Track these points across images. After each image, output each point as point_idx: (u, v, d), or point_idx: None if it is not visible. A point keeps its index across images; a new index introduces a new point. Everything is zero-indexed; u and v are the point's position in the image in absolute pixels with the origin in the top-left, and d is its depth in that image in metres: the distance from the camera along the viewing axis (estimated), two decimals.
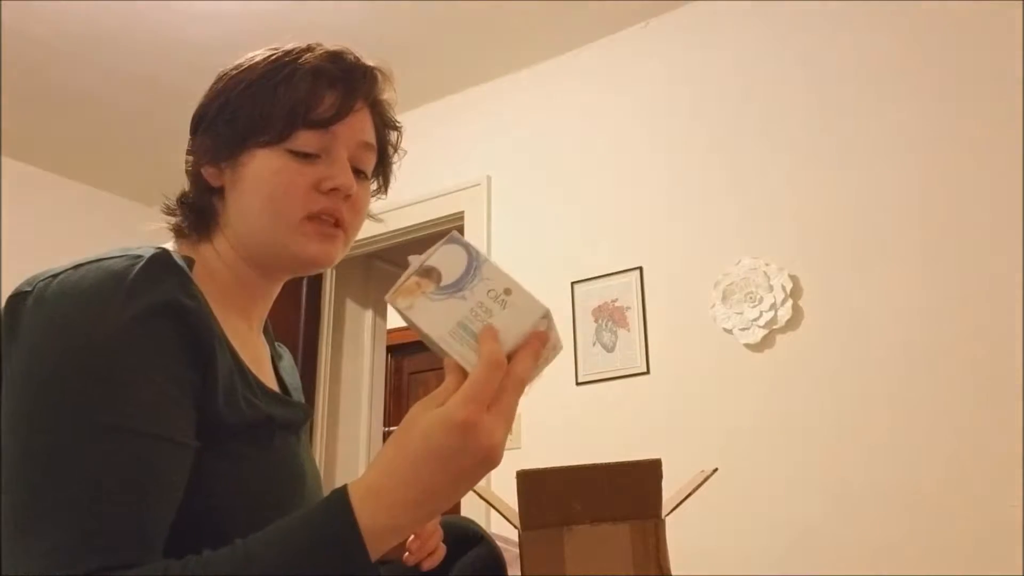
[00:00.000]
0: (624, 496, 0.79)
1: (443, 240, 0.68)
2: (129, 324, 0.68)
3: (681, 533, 1.05)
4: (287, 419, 0.85)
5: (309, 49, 0.88)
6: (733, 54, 2.57)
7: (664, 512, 0.82)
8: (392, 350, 4.61)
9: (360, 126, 0.88)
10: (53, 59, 2.92)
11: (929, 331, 2.07)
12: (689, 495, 0.85)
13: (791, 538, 2.11)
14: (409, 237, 3.15)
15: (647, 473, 0.80)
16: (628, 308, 2.53)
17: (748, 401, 2.27)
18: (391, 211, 3.05)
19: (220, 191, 0.88)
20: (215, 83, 0.90)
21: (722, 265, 2.39)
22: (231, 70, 0.90)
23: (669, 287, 2.48)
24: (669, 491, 0.84)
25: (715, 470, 0.88)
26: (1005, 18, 2.14)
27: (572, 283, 2.65)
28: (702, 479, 0.86)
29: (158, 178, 4.33)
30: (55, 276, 0.71)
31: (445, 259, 0.67)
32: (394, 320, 4.20)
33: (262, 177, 0.84)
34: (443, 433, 0.62)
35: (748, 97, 2.50)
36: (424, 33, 2.83)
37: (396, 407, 4.94)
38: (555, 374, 2.60)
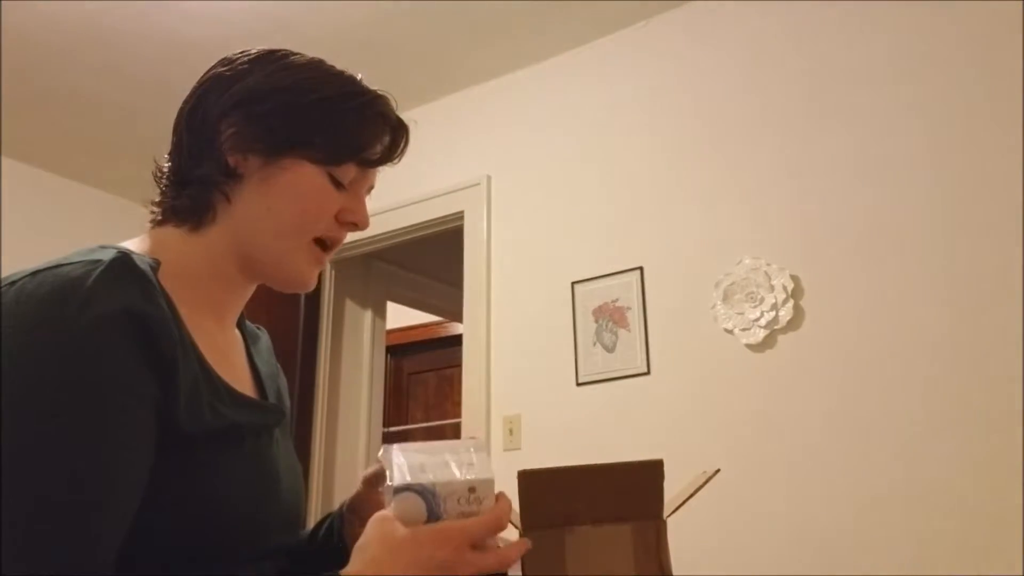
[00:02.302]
0: (626, 497, 0.78)
1: (393, 493, 0.71)
2: (85, 333, 0.66)
3: (682, 534, 1.05)
4: (257, 423, 0.83)
5: (361, 83, 0.89)
6: (733, 53, 2.57)
7: (666, 513, 0.81)
8: (392, 350, 4.62)
9: (377, 173, 0.92)
10: (53, 59, 2.92)
11: (929, 331, 2.07)
12: (691, 496, 0.84)
13: (792, 538, 2.11)
14: (409, 237, 3.15)
15: (649, 474, 0.79)
16: (628, 308, 2.53)
17: (749, 401, 2.26)
18: (391, 211, 3.05)
19: (229, 180, 0.84)
20: (274, 69, 0.86)
21: (723, 265, 2.39)
22: (290, 62, 0.87)
23: (670, 287, 2.48)
24: (670, 492, 0.83)
25: (717, 471, 0.87)
26: (1006, 18, 2.14)
27: (572, 283, 2.65)
28: (704, 480, 0.86)
29: None
30: (12, 283, 0.69)
31: (406, 510, 0.70)
32: (393, 320, 4.20)
33: (300, 190, 0.84)
34: (436, 546, 0.68)
35: (748, 96, 2.50)
36: (424, 33, 2.83)
37: (396, 407, 4.94)
38: (555, 374, 2.60)
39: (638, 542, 0.78)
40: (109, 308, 0.67)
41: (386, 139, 0.88)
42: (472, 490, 0.71)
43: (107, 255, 0.71)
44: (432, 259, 3.82)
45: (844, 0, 2.40)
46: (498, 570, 0.71)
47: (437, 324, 4.83)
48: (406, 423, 4.92)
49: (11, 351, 0.65)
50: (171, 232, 0.85)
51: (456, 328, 4.63)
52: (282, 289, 0.90)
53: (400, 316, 4.56)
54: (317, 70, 0.87)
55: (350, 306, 3.51)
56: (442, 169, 3.08)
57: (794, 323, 2.25)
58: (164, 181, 0.87)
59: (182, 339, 0.74)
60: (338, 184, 0.86)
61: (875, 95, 2.29)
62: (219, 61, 0.89)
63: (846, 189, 2.27)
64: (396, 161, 0.90)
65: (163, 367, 0.70)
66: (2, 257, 3.34)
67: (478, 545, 0.69)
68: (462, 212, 2.99)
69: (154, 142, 3.73)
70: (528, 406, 2.64)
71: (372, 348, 3.52)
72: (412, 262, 3.89)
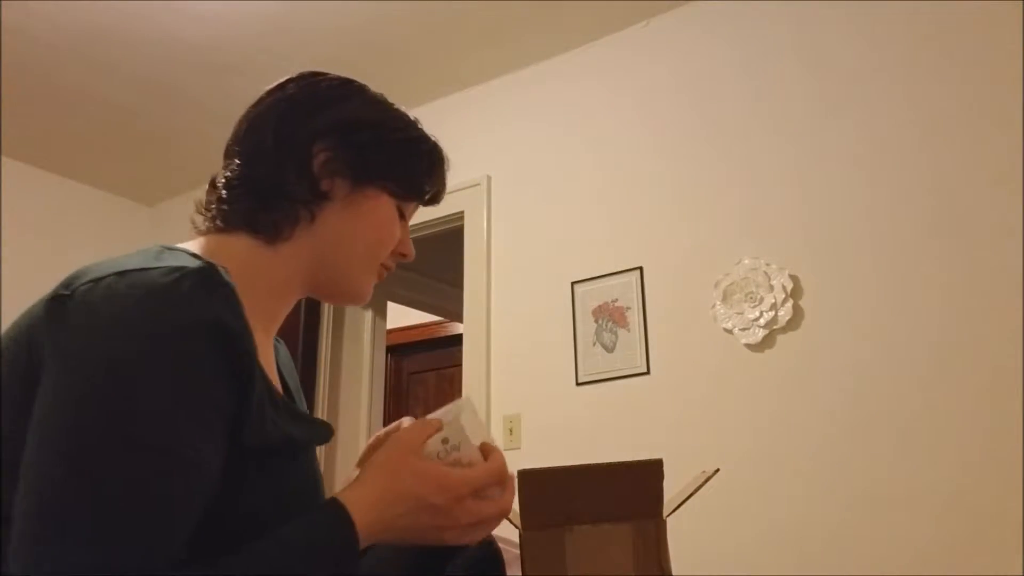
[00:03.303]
0: (626, 496, 0.79)
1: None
2: (177, 340, 0.67)
3: (682, 533, 1.05)
4: (308, 439, 0.84)
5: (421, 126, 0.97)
6: (733, 53, 2.57)
7: (665, 512, 0.81)
8: (392, 350, 4.61)
9: None
10: (53, 59, 2.92)
11: (930, 331, 2.07)
12: (691, 495, 0.84)
13: (792, 538, 2.11)
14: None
15: (649, 473, 0.79)
16: (628, 308, 2.53)
17: (748, 401, 2.27)
18: None
19: (318, 201, 0.86)
20: (363, 101, 0.92)
21: (723, 265, 2.39)
22: (375, 97, 0.93)
23: (669, 287, 2.48)
24: (670, 491, 0.83)
25: (716, 470, 0.88)
26: (1006, 18, 2.14)
27: (572, 283, 2.65)
28: (704, 479, 0.86)
29: (158, 178, 4.36)
30: (97, 281, 0.69)
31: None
32: (394, 320, 4.20)
33: (379, 218, 0.90)
34: (435, 492, 0.73)
35: (748, 96, 2.50)
36: (424, 33, 2.83)
37: (396, 407, 4.94)
38: (555, 374, 2.60)
39: (638, 541, 0.78)
40: (200, 317, 0.68)
41: (441, 183, 0.98)
42: (445, 441, 0.76)
43: (191, 263, 0.72)
44: (432, 259, 3.81)
45: (844, 0, 2.40)
46: (498, 517, 0.75)
47: (437, 324, 4.83)
48: None
49: (100, 352, 0.66)
50: (242, 241, 0.85)
51: (456, 328, 4.63)
52: (337, 303, 0.98)
53: (400, 316, 4.56)
54: (395, 108, 0.94)
55: (350, 306, 3.51)
56: None
57: (793, 323, 2.25)
58: (235, 188, 0.87)
59: (257, 356, 0.75)
60: (402, 216, 0.94)
61: (875, 95, 2.29)
62: (293, 80, 0.93)
63: (846, 189, 2.27)
64: (439, 202, 1.00)
65: (241, 380, 0.71)
66: (2, 257, 3.34)
67: (479, 494, 0.74)
68: (462, 212, 2.99)
69: (154, 142, 3.74)
70: (528, 406, 2.64)
71: (372, 348, 3.51)
72: (412, 262, 3.88)
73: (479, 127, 3.06)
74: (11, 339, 0.73)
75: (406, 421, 0.90)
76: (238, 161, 0.88)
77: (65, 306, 0.69)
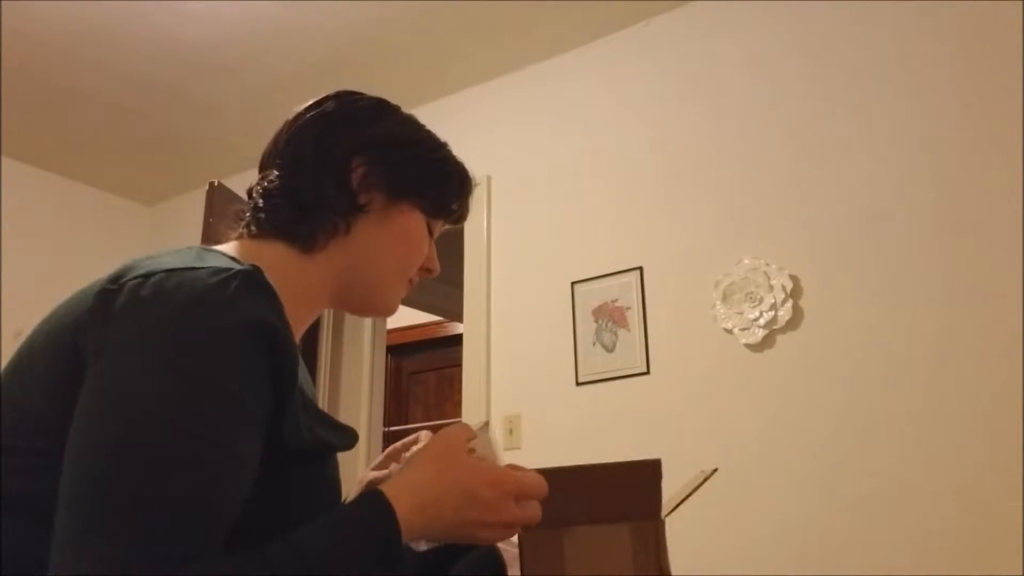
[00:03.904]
0: (624, 496, 0.78)
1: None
2: (225, 339, 0.68)
3: (681, 534, 1.05)
4: (337, 444, 0.85)
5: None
6: (733, 54, 2.57)
7: (664, 512, 0.81)
8: (392, 350, 4.61)
9: None
10: (53, 59, 2.92)
11: (929, 331, 2.07)
12: (689, 495, 0.84)
13: (791, 538, 2.11)
14: None
15: (647, 473, 0.79)
16: (628, 308, 2.53)
17: (748, 401, 2.27)
18: None
19: (355, 214, 0.89)
20: (400, 120, 0.96)
21: (722, 265, 2.39)
22: (409, 118, 0.97)
23: (669, 287, 2.48)
24: (669, 491, 0.83)
25: (715, 470, 0.88)
26: (1006, 18, 2.14)
27: (572, 283, 2.65)
28: (702, 479, 0.86)
29: (158, 178, 4.36)
30: (145, 277, 0.70)
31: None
32: (394, 320, 4.20)
33: (412, 234, 0.93)
34: (487, 485, 0.74)
35: (748, 96, 2.50)
36: (424, 33, 2.83)
37: (396, 407, 4.94)
38: (555, 374, 2.60)
39: (636, 542, 0.78)
40: (248, 318, 0.69)
41: (467, 203, 1.01)
42: (472, 451, 0.77)
43: (234, 265, 0.73)
44: None
45: (844, 0, 2.40)
46: (528, 524, 0.76)
47: (437, 324, 4.83)
48: (406, 423, 4.91)
49: (152, 347, 0.67)
50: (278, 249, 0.88)
51: (456, 328, 4.63)
52: (366, 315, 0.98)
53: (400, 316, 4.56)
54: (429, 131, 0.99)
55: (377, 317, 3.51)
56: None
57: (793, 323, 2.25)
58: (274, 197, 0.89)
59: (298, 356, 0.77)
60: (430, 233, 0.97)
61: (875, 95, 2.29)
62: (336, 98, 0.95)
63: (846, 189, 2.27)
64: (462, 223, 1.03)
65: (284, 383, 0.72)
66: (2, 257, 3.34)
67: (521, 499, 0.75)
68: None
69: (154, 142, 3.74)
70: (528, 406, 2.64)
71: (372, 348, 3.51)
72: None
73: (479, 127, 3.06)
74: (45, 332, 0.74)
75: (424, 436, 0.92)
76: (277, 172, 0.90)
77: (113, 301, 0.69)
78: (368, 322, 3.53)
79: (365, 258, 0.90)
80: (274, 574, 0.64)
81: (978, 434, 1.95)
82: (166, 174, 3.68)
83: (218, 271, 0.71)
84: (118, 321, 0.68)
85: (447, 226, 1.01)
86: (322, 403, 3.28)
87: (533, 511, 0.76)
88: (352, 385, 3.43)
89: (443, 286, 4.07)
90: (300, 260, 0.88)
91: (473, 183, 1.02)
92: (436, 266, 0.99)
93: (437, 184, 0.95)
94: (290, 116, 0.94)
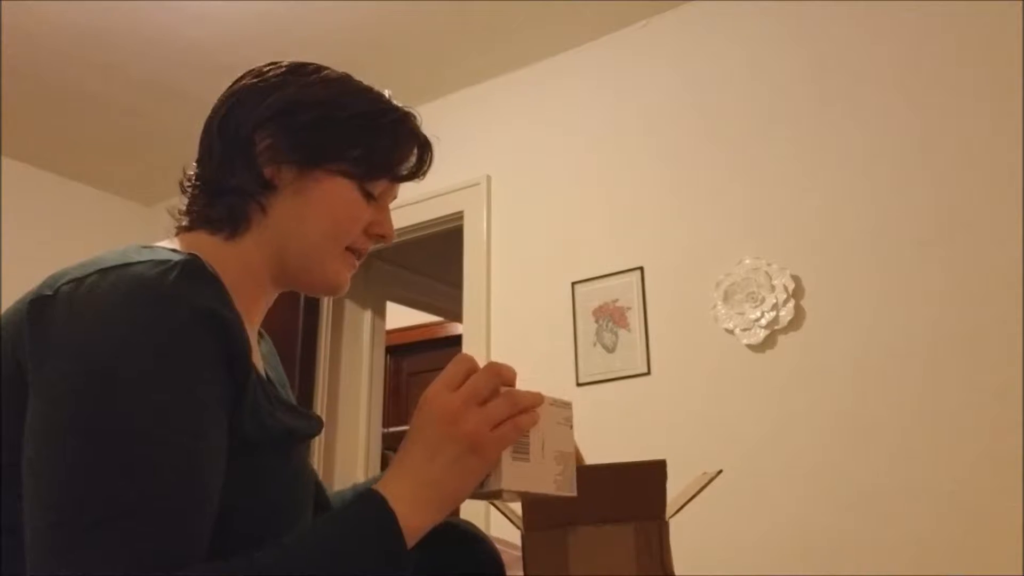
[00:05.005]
0: (628, 497, 0.78)
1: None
2: (171, 333, 0.66)
3: (684, 534, 1.05)
4: (303, 431, 0.84)
5: (391, 100, 0.92)
6: (733, 54, 2.56)
7: (668, 513, 0.81)
8: (391, 350, 4.61)
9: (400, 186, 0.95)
10: (53, 59, 2.91)
11: (930, 331, 2.06)
12: (693, 497, 0.84)
13: (793, 539, 2.11)
14: (408, 237, 3.14)
15: (651, 474, 0.79)
16: (629, 308, 2.52)
17: (749, 402, 2.26)
18: (391, 211, 3.04)
19: (265, 191, 0.85)
20: (308, 82, 0.87)
21: (724, 265, 2.39)
22: (324, 76, 0.89)
23: (670, 287, 2.48)
24: (670, 493, 0.83)
25: (719, 472, 0.87)
26: (1006, 18, 2.14)
27: (572, 283, 2.65)
28: (706, 481, 0.86)
29: (158, 178, 4.35)
30: (79, 280, 0.68)
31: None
32: (394, 320, 4.20)
33: (334, 202, 0.86)
34: (431, 426, 0.71)
35: (749, 96, 2.50)
36: (424, 33, 2.82)
37: (395, 408, 4.93)
38: (555, 375, 2.60)
39: (640, 542, 0.78)
40: (193, 310, 0.67)
41: (416, 155, 0.93)
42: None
43: (173, 257, 0.71)
44: (432, 259, 3.81)
45: (844, 0, 2.39)
46: (511, 408, 0.73)
47: (437, 324, 4.82)
48: (406, 423, 4.90)
49: (97, 349, 0.64)
50: (204, 239, 0.86)
51: (456, 328, 4.62)
52: (315, 294, 0.93)
53: (400, 316, 4.56)
54: (350, 85, 0.90)
55: (350, 306, 3.51)
56: (442, 169, 3.06)
57: (795, 323, 2.25)
58: (194, 189, 0.88)
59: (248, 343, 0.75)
60: (369, 196, 0.89)
61: (875, 95, 2.29)
62: (248, 72, 0.90)
63: (848, 189, 2.27)
64: (422, 177, 0.96)
65: (238, 371, 0.71)
66: (2, 257, 3.34)
67: (485, 399, 0.72)
68: (462, 212, 2.98)
69: (154, 142, 3.73)
70: None
71: (372, 348, 3.51)
72: (412, 262, 3.89)
73: (479, 127, 3.05)
74: None
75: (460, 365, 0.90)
76: (195, 162, 0.89)
77: (50, 307, 0.67)
78: (367, 322, 3.53)
79: (287, 234, 0.86)
80: None
81: (978, 434, 1.95)
82: (166, 174, 3.66)
83: (158, 263, 0.69)
84: (55, 327, 0.66)
85: (404, 183, 0.94)
86: (321, 403, 3.27)
87: (508, 398, 0.73)
88: (351, 385, 3.43)
89: (443, 286, 4.07)
90: (227, 247, 0.85)
91: (418, 132, 0.93)
92: (388, 231, 0.92)
93: (360, 143, 0.87)
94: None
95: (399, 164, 0.91)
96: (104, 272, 0.69)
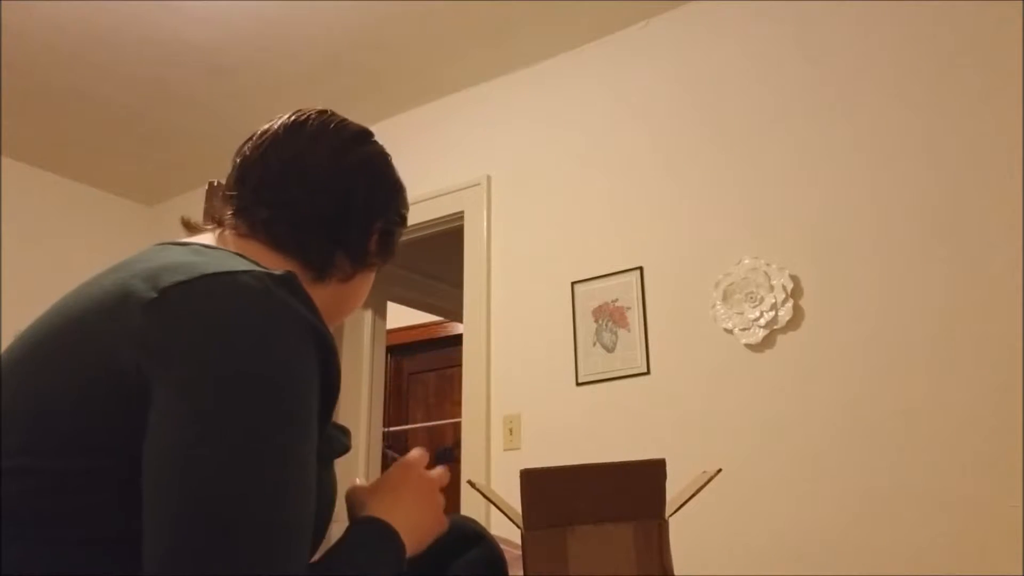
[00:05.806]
0: (628, 496, 0.78)
1: None
2: (294, 344, 0.67)
3: (684, 533, 1.05)
4: (344, 447, 0.85)
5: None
6: (733, 54, 2.57)
7: (667, 512, 0.81)
8: (392, 350, 4.61)
9: None
10: (53, 59, 2.92)
11: (930, 331, 2.07)
12: (693, 496, 0.84)
13: (792, 539, 2.11)
14: (408, 237, 3.14)
15: (651, 473, 0.79)
16: (628, 308, 2.53)
17: (749, 401, 2.27)
18: None
19: (357, 267, 0.94)
20: (404, 191, 1.00)
21: (723, 265, 2.39)
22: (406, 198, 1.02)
23: (670, 287, 2.48)
24: (670, 492, 0.83)
25: (719, 471, 0.88)
26: (1006, 18, 2.14)
27: (572, 283, 2.65)
28: (705, 480, 0.86)
29: (158, 178, 4.35)
30: (186, 284, 0.68)
31: None
32: (394, 320, 4.20)
33: (364, 291, 0.98)
34: (393, 473, 0.86)
35: (748, 96, 2.50)
36: (424, 33, 2.83)
37: (396, 408, 4.94)
38: (555, 374, 2.60)
39: (640, 541, 0.78)
40: (305, 323, 0.69)
41: None
42: None
43: (272, 271, 0.72)
44: (432, 259, 3.82)
45: (844, 1, 2.40)
46: (433, 485, 0.87)
47: (437, 324, 4.83)
48: (406, 423, 4.91)
49: (234, 357, 0.65)
50: (294, 267, 0.88)
51: (456, 328, 4.63)
52: None
53: (400, 316, 4.56)
54: (394, 180, 1.00)
55: None
56: (442, 169, 3.08)
57: (794, 323, 2.25)
58: (313, 222, 0.89)
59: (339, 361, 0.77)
60: None
61: (875, 95, 2.29)
62: (377, 147, 0.98)
63: (846, 189, 2.27)
64: None
65: (328, 385, 0.72)
66: (2, 257, 3.34)
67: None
68: (462, 212, 2.99)
69: (154, 142, 3.72)
70: (528, 406, 2.64)
71: (372, 348, 3.51)
72: (412, 262, 3.89)
73: (479, 127, 3.06)
74: (67, 340, 0.69)
75: (415, 452, 0.95)
76: (317, 196, 0.89)
77: (166, 312, 0.67)
78: (368, 322, 3.53)
79: (338, 305, 0.94)
80: None
81: (978, 434, 1.95)
82: (166, 174, 3.68)
83: (259, 276, 0.69)
84: (183, 331, 0.65)
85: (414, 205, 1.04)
86: None
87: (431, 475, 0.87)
88: (352, 385, 3.43)
89: (443, 286, 4.07)
90: (309, 285, 0.87)
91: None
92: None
93: (391, 249, 0.99)
94: (314, 126, 0.92)
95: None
96: (210, 278, 0.69)
